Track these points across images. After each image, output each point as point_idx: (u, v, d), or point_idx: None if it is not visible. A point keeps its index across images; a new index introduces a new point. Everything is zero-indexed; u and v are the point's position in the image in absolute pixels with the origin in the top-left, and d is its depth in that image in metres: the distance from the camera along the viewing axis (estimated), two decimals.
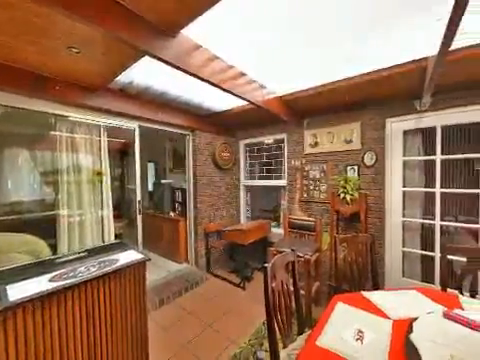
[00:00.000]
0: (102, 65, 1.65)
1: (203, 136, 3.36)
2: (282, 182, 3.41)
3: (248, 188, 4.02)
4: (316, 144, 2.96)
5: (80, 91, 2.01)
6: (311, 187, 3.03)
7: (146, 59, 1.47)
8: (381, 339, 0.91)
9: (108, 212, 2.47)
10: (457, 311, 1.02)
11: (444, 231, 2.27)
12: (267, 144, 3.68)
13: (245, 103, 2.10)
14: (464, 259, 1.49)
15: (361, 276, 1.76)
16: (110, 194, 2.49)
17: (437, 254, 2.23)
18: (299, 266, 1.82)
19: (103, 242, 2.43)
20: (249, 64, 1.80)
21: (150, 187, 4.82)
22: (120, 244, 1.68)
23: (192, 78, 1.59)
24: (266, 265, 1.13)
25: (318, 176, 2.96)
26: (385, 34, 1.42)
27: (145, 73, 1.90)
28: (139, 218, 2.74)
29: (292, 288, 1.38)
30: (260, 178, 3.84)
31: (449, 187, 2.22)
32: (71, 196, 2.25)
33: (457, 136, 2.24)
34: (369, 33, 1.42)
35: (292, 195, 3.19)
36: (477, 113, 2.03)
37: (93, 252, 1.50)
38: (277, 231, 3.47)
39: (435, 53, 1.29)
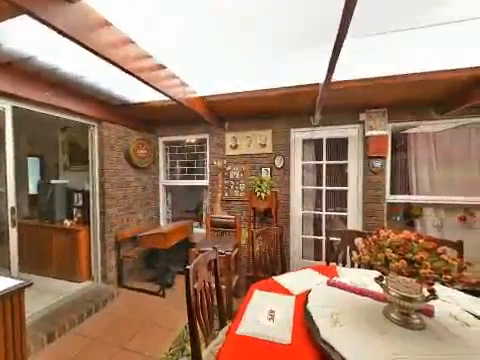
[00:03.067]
0: None
1: (114, 129, 2.90)
2: (204, 182, 3.43)
3: (169, 188, 3.80)
4: (236, 146, 3.17)
5: None
6: (231, 186, 3.21)
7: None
8: (287, 313, 1.08)
9: None
10: (335, 279, 1.36)
11: (328, 219, 2.97)
12: (189, 143, 3.60)
13: (165, 98, 1.97)
14: (339, 239, 2.01)
15: (273, 263, 2.03)
16: None
17: (323, 237, 2.88)
18: (220, 263, 1.89)
19: None
20: (170, 57, 1.71)
21: (33, 189, 3.69)
22: None
23: (98, 58, 1.34)
24: (188, 267, 1.11)
25: (238, 176, 3.18)
26: (296, 56, 1.69)
27: (26, 35, 1.44)
28: (13, 231, 2.03)
29: (214, 285, 1.42)
30: (182, 178, 3.71)
31: (331, 185, 2.93)
32: None
33: (335, 147, 2.97)
34: (287, 53, 1.65)
35: (214, 194, 3.27)
36: (346, 131, 2.78)
37: None
38: (200, 231, 3.47)
39: (323, 81, 1.66)
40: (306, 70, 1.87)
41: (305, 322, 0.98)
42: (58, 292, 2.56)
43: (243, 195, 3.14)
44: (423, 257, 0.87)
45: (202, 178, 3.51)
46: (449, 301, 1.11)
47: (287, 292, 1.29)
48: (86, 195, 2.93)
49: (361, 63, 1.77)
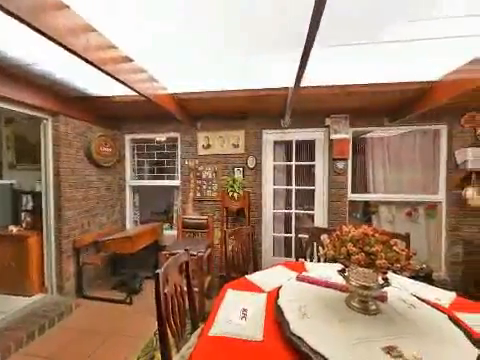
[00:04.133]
0: None
1: (72, 124, 2.62)
2: (176, 182, 3.32)
3: (136, 189, 3.58)
4: (209, 146, 3.13)
5: None
6: (204, 186, 3.17)
7: None
8: (259, 311, 1.11)
9: None
10: (304, 274, 1.43)
11: (297, 217, 3.12)
12: (159, 142, 3.45)
13: (133, 93, 1.85)
14: (307, 236, 2.13)
15: (245, 262, 2.06)
16: None
17: (293, 235, 3.02)
18: (193, 264, 1.85)
19: None
20: (139, 51, 1.61)
21: None
22: None
23: (53, 44, 1.20)
24: (158, 271, 1.06)
25: (210, 176, 3.15)
26: (268, 60, 1.73)
27: None
28: None
29: (186, 288, 1.38)
30: (151, 178, 3.54)
31: (299, 185, 3.08)
32: None
33: (304, 148, 3.14)
34: (258, 55, 1.68)
35: (186, 195, 3.19)
36: (314, 134, 2.95)
37: None
38: (171, 233, 3.34)
39: (292, 85, 1.74)
40: (277, 74, 1.94)
41: (276, 317, 1.01)
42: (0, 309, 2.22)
43: (216, 195, 3.12)
44: (379, 249, 0.96)
45: (173, 178, 3.39)
46: (399, 287, 1.26)
47: (259, 290, 1.32)
48: (37, 197, 2.60)
49: (327, 71, 1.90)
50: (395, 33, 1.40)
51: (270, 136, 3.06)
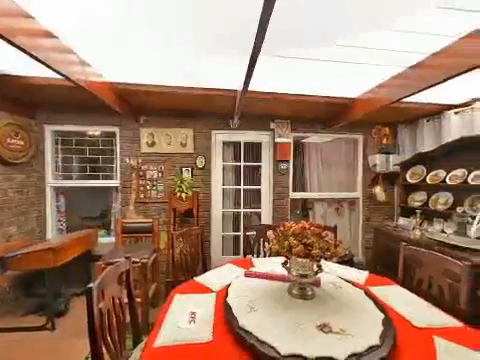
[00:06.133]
0: None
1: None
2: (114, 182, 2.96)
3: (61, 191, 3.02)
4: (154, 144, 2.91)
5: None
6: (148, 187, 2.93)
7: None
8: (209, 311, 1.10)
9: None
10: (251, 269, 1.50)
11: (245, 216, 3.24)
12: (92, 136, 3.00)
13: (57, 76, 1.54)
14: (254, 233, 2.24)
15: (194, 264, 2.01)
16: None
17: (241, 233, 3.12)
18: (135, 273, 1.69)
19: None
20: (65, 27, 1.36)
21: None
22: None
23: None
24: (90, 285, 0.92)
25: (156, 176, 2.94)
26: (218, 61, 1.72)
27: None
28: None
29: (126, 300, 1.25)
30: (82, 178, 3.04)
31: (247, 185, 3.21)
32: None
33: (252, 149, 3.29)
34: (209, 55, 1.65)
35: (127, 196, 2.88)
36: (260, 136, 3.13)
37: None
38: (108, 240, 2.96)
39: (241, 88, 1.80)
40: (227, 75, 1.96)
41: (225, 315, 1.03)
42: None
43: (162, 196, 2.93)
44: (314, 241, 1.10)
45: (111, 178, 3.01)
46: (328, 271, 1.47)
47: (208, 290, 1.31)
48: None
49: (271, 79, 2.04)
50: (328, 53, 1.62)
51: (219, 136, 3.08)
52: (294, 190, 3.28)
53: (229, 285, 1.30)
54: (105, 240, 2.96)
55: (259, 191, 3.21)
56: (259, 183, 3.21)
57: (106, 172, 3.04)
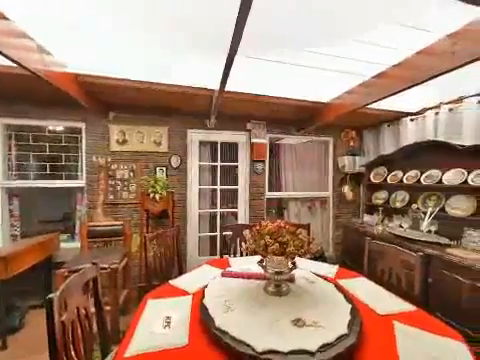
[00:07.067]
0: None
1: None
2: (79, 183, 2.73)
3: (14, 192, 2.69)
4: (125, 142, 2.75)
5: None
6: (119, 188, 2.76)
7: None
8: (184, 315, 1.07)
9: None
10: (228, 269, 1.50)
11: (222, 216, 3.23)
12: (53, 131, 2.73)
13: (8, 63, 1.36)
14: (231, 233, 2.24)
15: (169, 267, 1.94)
16: None
17: (218, 233, 3.10)
18: (103, 279, 1.58)
19: None
20: (21, 10, 1.22)
21: None
22: None
23: None
24: (51, 296, 0.84)
25: (127, 176, 2.78)
26: (196, 59, 1.69)
27: None
28: None
29: (94, 309, 1.16)
30: (41, 177, 2.75)
31: (224, 185, 3.20)
32: None
33: (229, 149, 3.29)
34: (183, 52, 1.60)
35: (94, 198, 2.67)
36: (237, 137, 3.14)
37: None
38: (72, 245, 2.71)
39: (218, 88, 1.79)
40: (204, 74, 1.94)
41: (202, 317, 1.01)
42: None
43: (134, 197, 2.78)
44: (289, 239, 1.14)
45: (75, 178, 2.77)
46: (302, 267, 1.53)
47: (184, 293, 1.28)
48: None
49: (248, 80, 2.07)
50: (302, 59, 1.69)
51: (196, 136, 3.02)
52: (270, 190, 3.36)
53: (206, 286, 1.28)
54: (69, 245, 2.71)
55: (236, 191, 3.22)
56: (236, 183, 3.22)
57: (70, 171, 2.79)
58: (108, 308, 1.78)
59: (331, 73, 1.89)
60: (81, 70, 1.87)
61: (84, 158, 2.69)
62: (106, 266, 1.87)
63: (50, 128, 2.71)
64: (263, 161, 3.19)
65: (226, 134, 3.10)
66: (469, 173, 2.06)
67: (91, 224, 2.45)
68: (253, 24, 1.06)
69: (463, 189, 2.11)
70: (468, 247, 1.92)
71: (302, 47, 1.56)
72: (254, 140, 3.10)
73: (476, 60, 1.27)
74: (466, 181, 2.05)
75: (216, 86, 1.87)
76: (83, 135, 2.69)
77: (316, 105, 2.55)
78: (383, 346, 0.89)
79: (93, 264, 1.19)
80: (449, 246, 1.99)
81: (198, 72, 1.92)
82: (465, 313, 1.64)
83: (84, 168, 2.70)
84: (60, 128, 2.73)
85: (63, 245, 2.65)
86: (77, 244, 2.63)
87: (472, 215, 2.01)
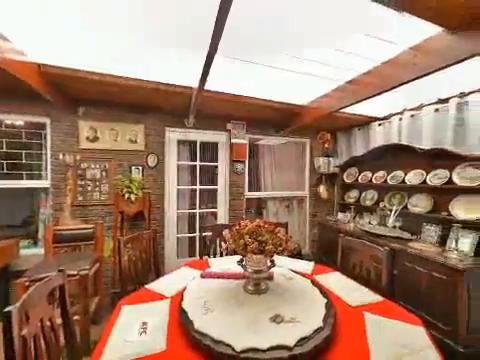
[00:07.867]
0: None
1: None
2: (43, 183, 2.49)
3: None
4: (96, 139, 2.58)
5: None
6: (89, 188, 2.58)
7: None
8: (162, 319, 1.03)
9: None
10: (207, 270, 1.48)
11: (201, 216, 3.18)
12: (12, 126, 2.46)
13: None
14: (210, 233, 2.21)
15: (145, 271, 1.86)
16: None
17: (197, 234, 3.05)
18: (72, 287, 1.47)
19: None
20: None
21: None
22: None
23: None
24: (9, 308, 0.75)
25: (99, 176, 2.61)
26: (174, 56, 1.63)
27: None
28: None
29: (60, 320, 1.07)
30: None
31: (204, 185, 3.16)
32: None
33: (208, 149, 3.25)
34: (161, 47, 1.54)
35: (61, 199, 2.46)
36: (217, 136, 3.12)
37: None
38: (35, 251, 2.47)
39: (197, 86, 1.76)
40: (183, 71, 1.89)
41: (181, 320, 0.98)
42: None
43: (106, 198, 2.62)
44: (268, 238, 1.16)
45: (38, 177, 2.53)
46: (280, 265, 1.57)
47: (161, 297, 1.24)
48: None
49: (227, 79, 2.06)
50: (281, 62, 1.73)
51: (173, 134, 2.93)
52: (250, 190, 3.39)
53: (184, 289, 1.25)
54: (30, 252, 2.46)
55: (216, 191, 3.20)
56: (216, 183, 3.20)
57: (32, 171, 2.54)
58: (77, 317, 1.65)
59: (309, 77, 1.97)
60: (44, 60, 1.71)
61: (49, 156, 2.47)
62: (75, 273, 1.73)
63: (7, 122, 2.44)
64: (243, 161, 3.21)
65: (206, 134, 3.07)
66: (427, 174, 2.28)
67: (57, 228, 2.25)
68: (234, 24, 1.06)
69: (422, 188, 2.33)
70: (426, 241, 2.13)
71: (279, 51, 1.60)
72: (234, 140, 3.10)
73: (434, 72, 1.42)
74: (425, 181, 2.26)
75: (195, 84, 1.84)
76: (48, 131, 2.47)
77: (294, 107, 2.63)
78: (355, 336, 0.94)
79: (59, 271, 1.09)
80: (411, 240, 2.18)
81: (177, 69, 1.87)
82: (423, 300, 1.82)
83: (49, 167, 2.47)
84: (20, 122, 2.47)
85: (24, 252, 2.40)
86: (41, 250, 2.40)
87: (429, 212, 2.22)
